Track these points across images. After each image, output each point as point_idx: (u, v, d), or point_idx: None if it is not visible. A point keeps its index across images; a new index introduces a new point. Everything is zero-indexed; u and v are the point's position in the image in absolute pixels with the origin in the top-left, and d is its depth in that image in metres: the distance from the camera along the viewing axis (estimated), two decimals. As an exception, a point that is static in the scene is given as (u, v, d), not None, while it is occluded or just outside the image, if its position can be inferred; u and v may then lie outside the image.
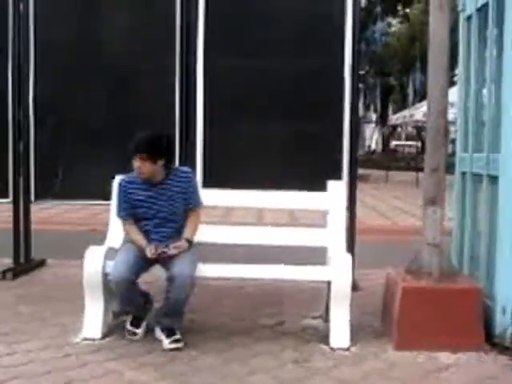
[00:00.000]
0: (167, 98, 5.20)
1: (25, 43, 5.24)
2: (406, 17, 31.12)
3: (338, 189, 4.24)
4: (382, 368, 3.40)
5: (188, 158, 5.14)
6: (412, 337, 3.64)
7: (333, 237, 4.08)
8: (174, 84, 5.19)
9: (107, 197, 4.22)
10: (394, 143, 34.09)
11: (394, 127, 33.11)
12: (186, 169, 4.00)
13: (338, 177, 4.95)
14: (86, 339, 3.68)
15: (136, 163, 3.67)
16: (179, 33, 5.13)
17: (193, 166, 5.00)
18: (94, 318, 3.72)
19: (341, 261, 3.71)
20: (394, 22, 33.45)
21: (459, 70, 4.44)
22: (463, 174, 4.43)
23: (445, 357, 3.54)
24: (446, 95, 3.78)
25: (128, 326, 3.78)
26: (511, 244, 3.67)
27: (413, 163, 21.74)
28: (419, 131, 31.15)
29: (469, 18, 4.35)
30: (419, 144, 31.52)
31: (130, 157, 3.68)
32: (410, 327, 3.65)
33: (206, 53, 5.13)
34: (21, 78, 5.27)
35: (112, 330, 3.84)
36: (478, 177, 4.15)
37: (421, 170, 17.82)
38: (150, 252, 3.63)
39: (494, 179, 3.84)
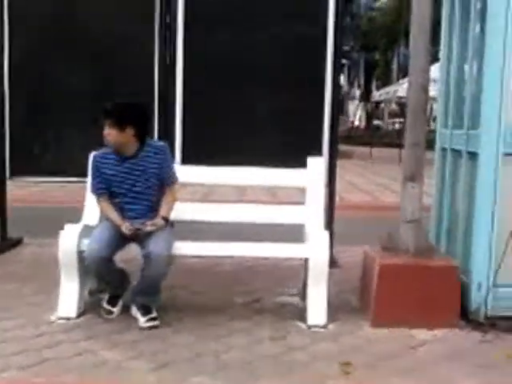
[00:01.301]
0: (146, 69, 5.10)
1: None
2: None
3: (316, 165, 4.21)
4: (359, 344, 3.41)
5: (167, 134, 5.07)
6: (388, 314, 3.64)
7: (310, 214, 4.06)
8: (153, 54, 5.08)
9: (85, 173, 4.14)
10: (376, 123, 34.05)
11: (378, 104, 33.06)
12: (160, 143, 3.93)
13: (319, 153, 4.91)
14: (61, 318, 3.64)
15: (105, 130, 3.61)
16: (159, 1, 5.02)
17: (172, 141, 4.94)
18: (69, 296, 3.68)
19: (318, 238, 3.68)
20: (379, -3, 33.26)
21: (442, 45, 4.38)
22: (443, 149, 4.41)
23: (421, 333, 3.55)
24: (427, 69, 3.74)
25: (104, 305, 3.75)
26: (488, 221, 3.67)
27: (397, 140, 21.81)
28: (402, 108, 31.15)
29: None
30: (402, 120, 31.60)
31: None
32: (387, 304, 3.65)
33: (186, 21, 5.02)
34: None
35: (88, 308, 3.80)
36: (457, 153, 4.13)
37: (402, 146, 17.93)
38: (126, 228, 3.58)
39: (473, 155, 3.82)
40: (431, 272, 3.65)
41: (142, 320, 3.55)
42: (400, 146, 18.26)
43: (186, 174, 4.16)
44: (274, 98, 5.18)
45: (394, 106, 36.95)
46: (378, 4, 34.88)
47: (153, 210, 3.74)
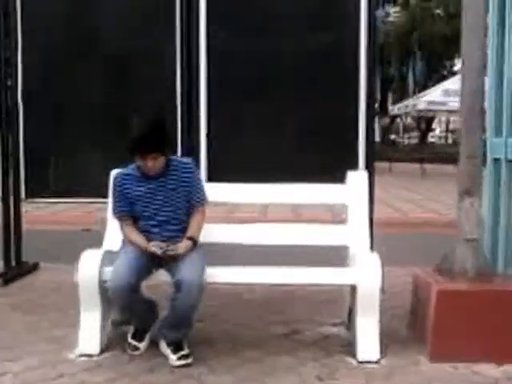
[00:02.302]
0: (167, 82, 4.77)
1: (13, 25, 4.80)
2: (405, 4, 30.71)
3: (358, 180, 3.83)
4: (419, 383, 3.00)
5: (191, 149, 4.73)
6: (449, 346, 3.23)
7: (354, 234, 3.68)
8: (175, 67, 4.76)
9: (104, 194, 3.80)
10: (391, 137, 33.68)
11: (393, 118, 32.70)
12: (186, 160, 3.58)
13: (355, 168, 4.54)
14: (82, 355, 3.27)
15: (149, 163, 3.25)
16: (179, 9, 4.68)
17: (196, 157, 4.60)
18: (90, 331, 3.30)
19: (367, 262, 3.29)
20: (392, 11, 33.00)
21: (490, 49, 4.00)
22: (495, 160, 4.03)
23: (488, 369, 3.13)
24: (481, 73, 3.38)
25: (129, 340, 3.37)
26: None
27: (416, 154, 21.47)
28: (419, 122, 30.78)
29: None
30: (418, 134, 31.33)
31: (138, 155, 3.25)
32: (447, 335, 3.24)
33: (208, 31, 4.68)
34: (8, 65, 4.86)
35: (111, 342, 3.43)
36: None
37: (423, 160, 17.60)
38: (158, 249, 3.20)
39: (537, 166, 3.44)
40: (498, 298, 3.24)
41: (173, 358, 3.16)
42: (422, 160, 18.01)
43: (212, 192, 3.76)
44: (305, 109, 4.83)
45: (409, 121, 36.63)
46: (390, 18, 34.60)
47: (182, 233, 3.37)
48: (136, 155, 3.27)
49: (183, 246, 3.27)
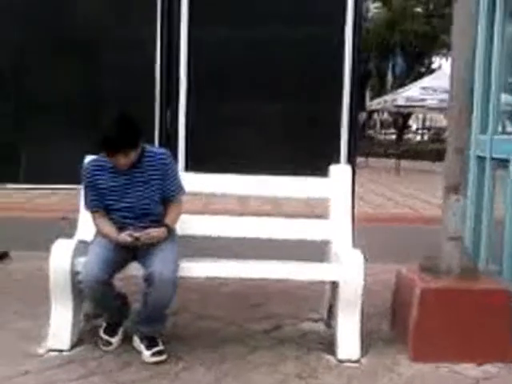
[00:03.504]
0: (147, 71, 4.62)
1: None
2: (387, 0, 30.74)
3: (342, 174, 3.73)
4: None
5: (169, 140, 4.59)
6: (431, 346, 3.15)
7: (337, 229, 3.58)
8: (154, 57, 4.61)
9: (78, 180, 3.62)
10: (368, 133, 33.79)
11: (370, 113, 32.79)
12: (161, 150, 3.39)
13: (337, 162, 4.45)
14: (51, 350, 3.12)
15: (119, 161, 3.09)
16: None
17: (175, 148, 4.46)
18: (61, 324, 3.15)
19: (351, 258, 3.19)
20: (372, 7, 33.04)
21: (479, 44, 3.91)
22: (479, 158, 3.96)
23: (469, 369, 3.07)
24: (472, 66, 3.29)
25: (101, 334, 3.23)
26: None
27: (392, 150, 21.59)
28: (396, 118, 30.95)
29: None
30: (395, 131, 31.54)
31: (107, 154, 3.10)
32: (429, 335, 3.16)
33: (190, 21, 4.55)
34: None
35: (83, 337, 3.29)
36: (500, 162, 3.68)
37: (399, 156, 17.78)
38: (127, 237, 3.05)
39: (524, 165, 3.37)
40: (482, 297, 3.18)
41: (147, 354, 3.04)
42: (398, 156, 18.12)
43: (186, 182, 3.60)
44: (286, 102, 4.72)
45: (385, 116, 36.79)
46: (370, 14, 34.65)
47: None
48: (106, 154, 3.12)
49: (157, 231, 3.13)
